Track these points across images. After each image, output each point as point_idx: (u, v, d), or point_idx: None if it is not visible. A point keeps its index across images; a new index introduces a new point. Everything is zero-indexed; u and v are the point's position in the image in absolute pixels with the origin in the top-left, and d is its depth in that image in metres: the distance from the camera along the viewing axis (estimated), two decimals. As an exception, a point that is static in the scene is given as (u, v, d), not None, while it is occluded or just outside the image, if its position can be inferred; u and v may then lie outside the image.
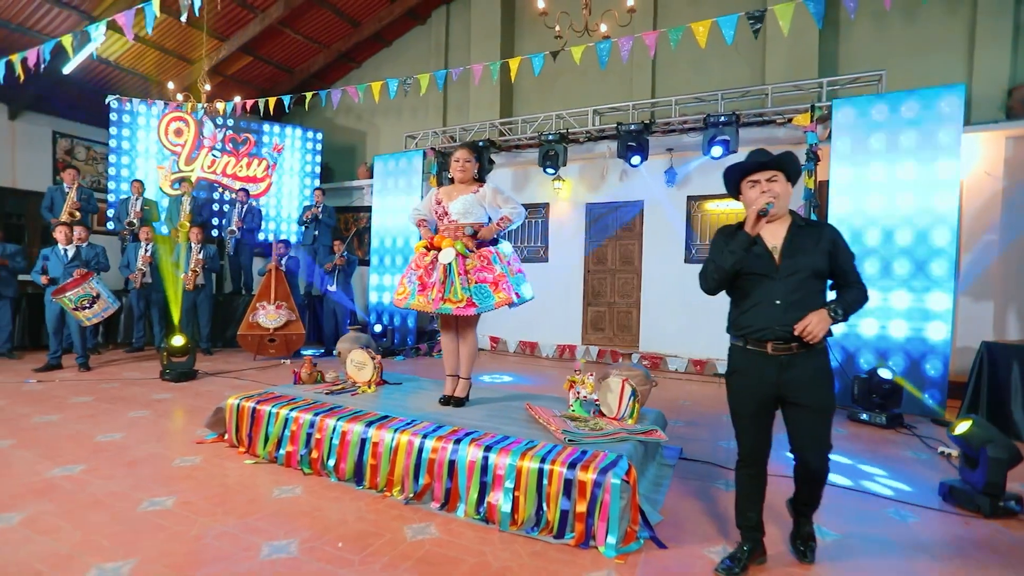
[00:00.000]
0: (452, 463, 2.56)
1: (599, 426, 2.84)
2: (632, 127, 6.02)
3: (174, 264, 6.44)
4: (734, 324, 2.12)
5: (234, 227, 7.20)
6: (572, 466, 2.34)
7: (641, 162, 6.21)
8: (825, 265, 2.00)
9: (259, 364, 6.19)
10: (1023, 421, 3.96)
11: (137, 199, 7.00)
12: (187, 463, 3.07)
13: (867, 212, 4.85)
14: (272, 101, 5.87)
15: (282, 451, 3.07)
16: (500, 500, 2.42)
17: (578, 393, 3.15)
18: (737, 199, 2.16)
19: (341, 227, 9.15)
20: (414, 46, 9.28)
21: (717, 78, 6.84)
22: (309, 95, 5.72)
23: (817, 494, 2.17)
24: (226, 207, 7.88)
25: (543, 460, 2.40)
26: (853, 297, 2.00)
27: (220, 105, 6.11)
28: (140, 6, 3.76)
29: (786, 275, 2.00)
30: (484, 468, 2.49)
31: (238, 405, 3.31)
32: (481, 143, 7.01)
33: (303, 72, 9.27)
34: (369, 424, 2.86)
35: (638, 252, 7.23)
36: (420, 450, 2.66)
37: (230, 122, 7.99)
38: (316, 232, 7.56)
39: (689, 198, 6.83)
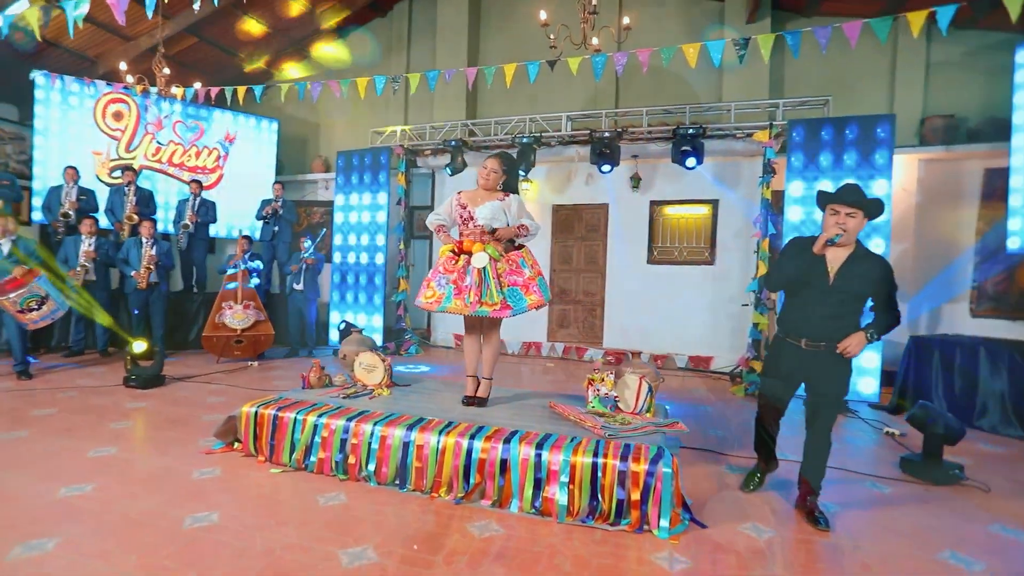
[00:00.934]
0: (504, 461, 2.69)
1: (626, 421, 3.08)
2: (606, 134, 6.32)
3: (122, 260, 5.91)
4: (781, 320, 2.55)
5: (187, 221, 6.70)
6: (624, 459, 2.55)
7: (611, 169, 6.53)
8: (868, 291, 2.44)
9: (224, 367, 5.86)
10: (942, 406, 4.69)
11: (72, 187, 6.32)
12: (207, 475, 2.95)
13: (817, 221, 5.47)
14: (242, 91, 5.53)
15: (312, 458, 3.03)
16: (556, 494, 2.58)
17: (598, 391, 3.37)
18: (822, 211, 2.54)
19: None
20: (374, 38, 9.04)
21: (676, 90, 7.32)
22: (285, 87, 5.47)
23: (823, 451, 2.60)
24: (174, 199, 7.30)
25: (595, 454, 2.59)
26: (887, 321, 2.46)
27: (178, 91, 5.67)
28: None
29: (834, 292, 2.41)
30: (537, 465, 2.64)
31: (255, 413, 3.20)
32: (452, 143, 7.03)
33: (252, 57, 8.74)
34: (410, 428, 2.91)
35: (602, 253, 7.59)
36: (469, 451, 2.75)
37: (178, 107, 7.40)
38: (276, 228, 7.23)
39: (651, 203, 7.28)
